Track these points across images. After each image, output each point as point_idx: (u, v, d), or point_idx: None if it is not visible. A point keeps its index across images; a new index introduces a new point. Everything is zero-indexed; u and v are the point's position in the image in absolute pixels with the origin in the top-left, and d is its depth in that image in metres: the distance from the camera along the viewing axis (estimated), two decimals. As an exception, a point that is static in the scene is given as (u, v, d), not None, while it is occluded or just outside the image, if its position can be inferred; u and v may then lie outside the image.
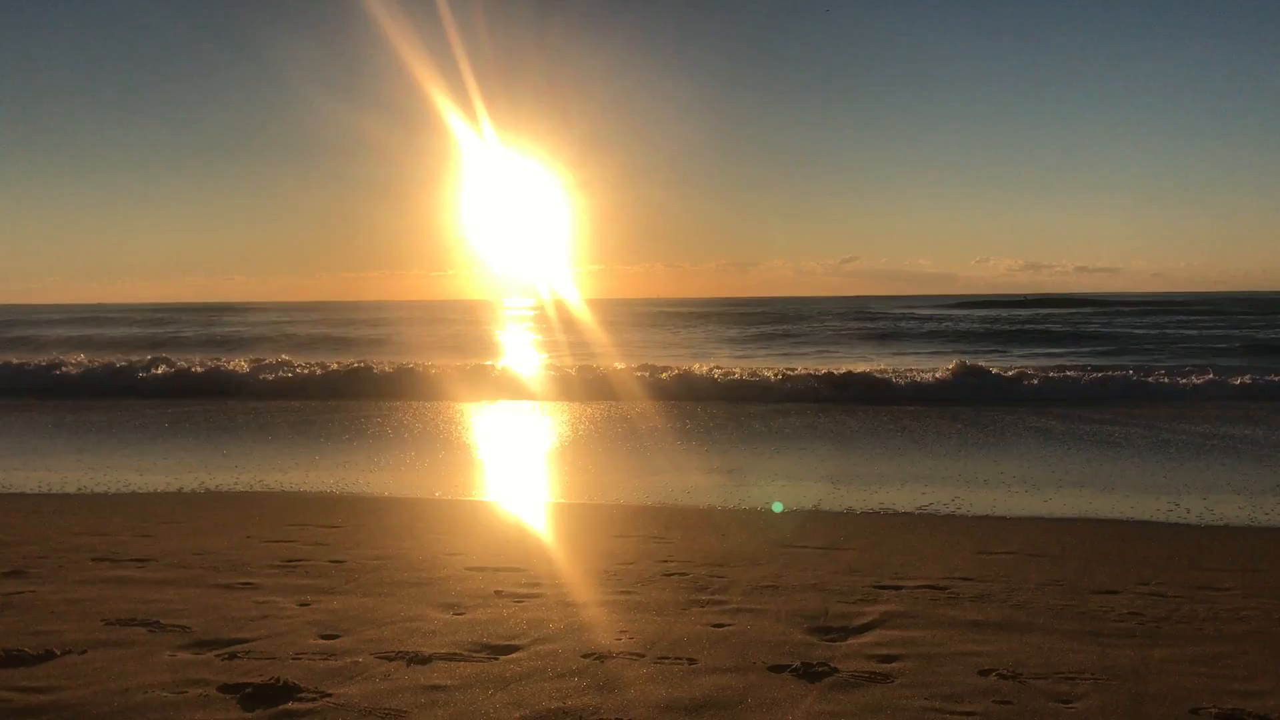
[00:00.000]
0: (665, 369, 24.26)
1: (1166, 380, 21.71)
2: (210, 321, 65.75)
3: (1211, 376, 21.69)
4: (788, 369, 24.36)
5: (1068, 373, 22.98)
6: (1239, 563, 7.11)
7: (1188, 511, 9.24)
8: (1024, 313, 65.90)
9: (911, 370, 23.76)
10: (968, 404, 19.67)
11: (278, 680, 4.20)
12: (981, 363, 24.22)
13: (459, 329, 53.09)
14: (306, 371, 24.80)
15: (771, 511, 9.36)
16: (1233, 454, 13.00)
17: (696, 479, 11.33)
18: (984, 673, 4.48)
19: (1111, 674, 4.48)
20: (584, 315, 47.43)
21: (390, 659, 4.58)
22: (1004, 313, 66.59)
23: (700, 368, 24.97)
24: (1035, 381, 21.75)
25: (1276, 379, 21.17)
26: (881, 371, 23.65)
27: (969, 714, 3.97)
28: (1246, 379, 21.29)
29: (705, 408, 19.47)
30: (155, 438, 15.77)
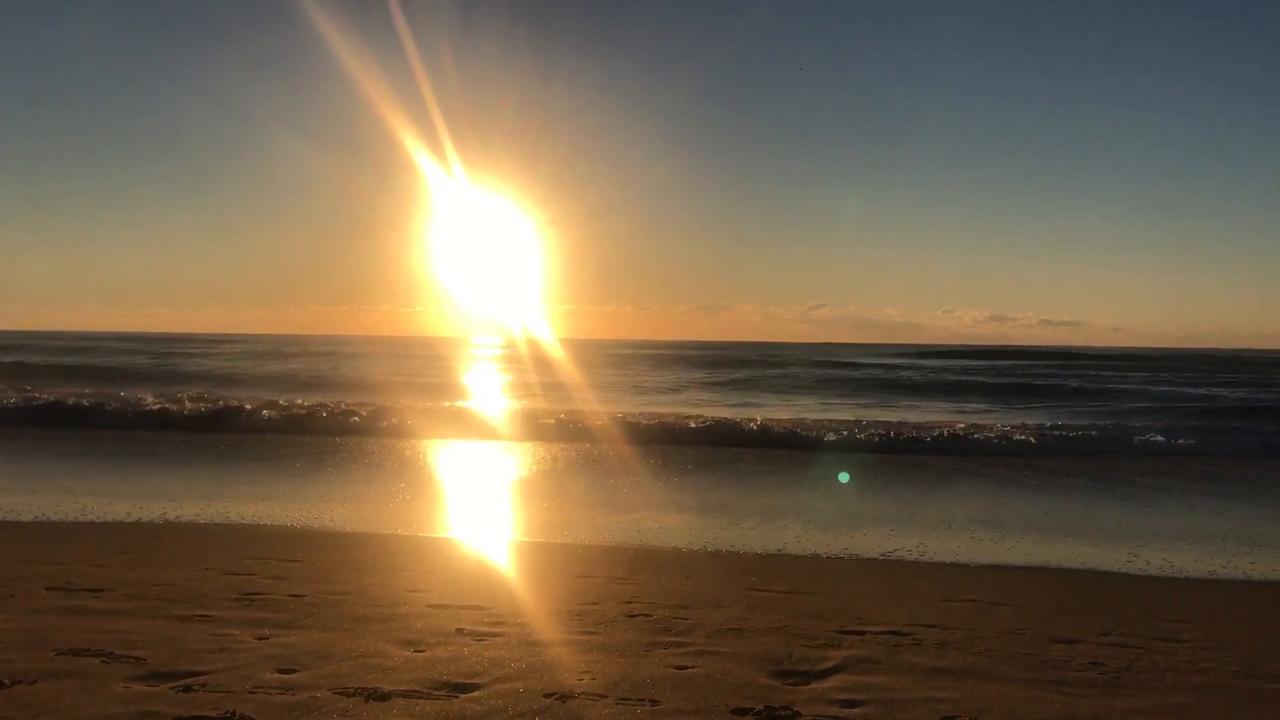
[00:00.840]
0: (633, 414, 24.27)
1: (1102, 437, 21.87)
2: (169, 353, 65.13)
3: (1157, 438, 21.83)
4: (764, 418, 24.39)
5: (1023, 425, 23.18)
6: (1198, 615, 7.16)
7: (1147, 563, 9.31)
8: (987, 364, 66.48)
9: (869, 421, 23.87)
10: (919, 453, 19.79)
11: (233, 714, 4.13)
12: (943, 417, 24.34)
13: (426, 366, 52.74)
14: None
15: (735, 553, 9.31)
16: (1186, 506, 13.14)
17: (662, 521, 11.29)
18: (946, 719, 4.48)
19: (1072, 723, 4.49)
20: (553, 355, 47.38)
21: (348, 695, 4.52)
22: (971, 363, 67.13)
23: (668, 413, 25.00)
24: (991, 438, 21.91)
25: (1229, 437, 21.48)
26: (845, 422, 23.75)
27: (931, 760, 3.97)
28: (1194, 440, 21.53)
29: (669, 451, 19.48)
30: (116, 468, 15.57)
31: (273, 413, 23.67)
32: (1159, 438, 21.60)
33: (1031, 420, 26.06)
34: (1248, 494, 14.69)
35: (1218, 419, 28.04)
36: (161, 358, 56.85)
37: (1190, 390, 41.54)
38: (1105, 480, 15.76)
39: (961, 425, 22.92)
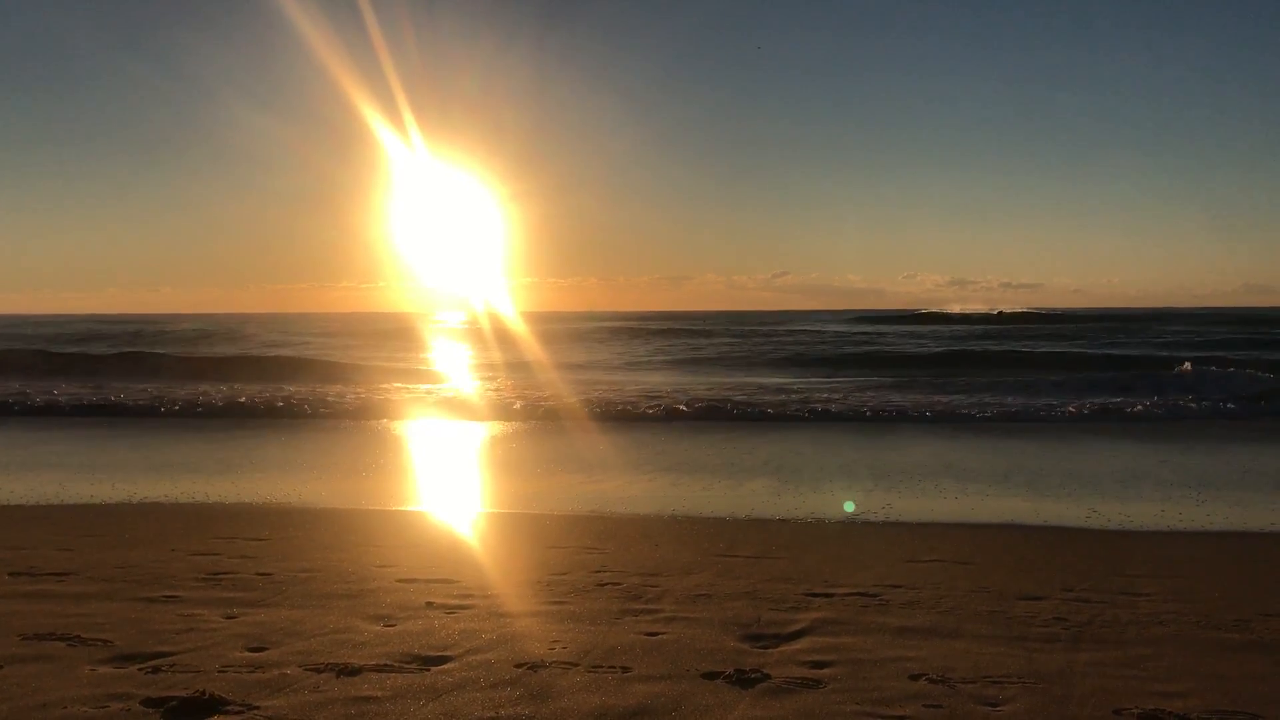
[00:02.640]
0: (595, 390, 24.28)
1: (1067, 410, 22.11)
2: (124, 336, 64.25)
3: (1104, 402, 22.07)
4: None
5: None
6: (1158, 568, 7.29)
7: (1107, 519, 9.44)
8: (929, 329, 67.12)
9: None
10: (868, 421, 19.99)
11: (203, 693, 4.11)
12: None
13: (386, 345, 52.19)
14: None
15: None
16: (1136, 462, 13.36)
17: (629, 491, 11.33)
18: (914, 677, 4.54)
19: (1038, 677, 4.56)
20: (513, 330, 47.06)
21: (319, 671, 4.51)
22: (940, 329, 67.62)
23: (632, 389, 25.02)
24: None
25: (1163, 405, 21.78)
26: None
27: (900, 718, 4.02)
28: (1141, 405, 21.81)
29: (632, 427, 19.58)
30: (75, 451, 15.40)
31: (228, 399, 23.47)
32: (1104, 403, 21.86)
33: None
34: (1190, 448, 14.97)
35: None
36: (121, 340, 56.05)
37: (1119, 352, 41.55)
38: (1049, 440, 15.99)
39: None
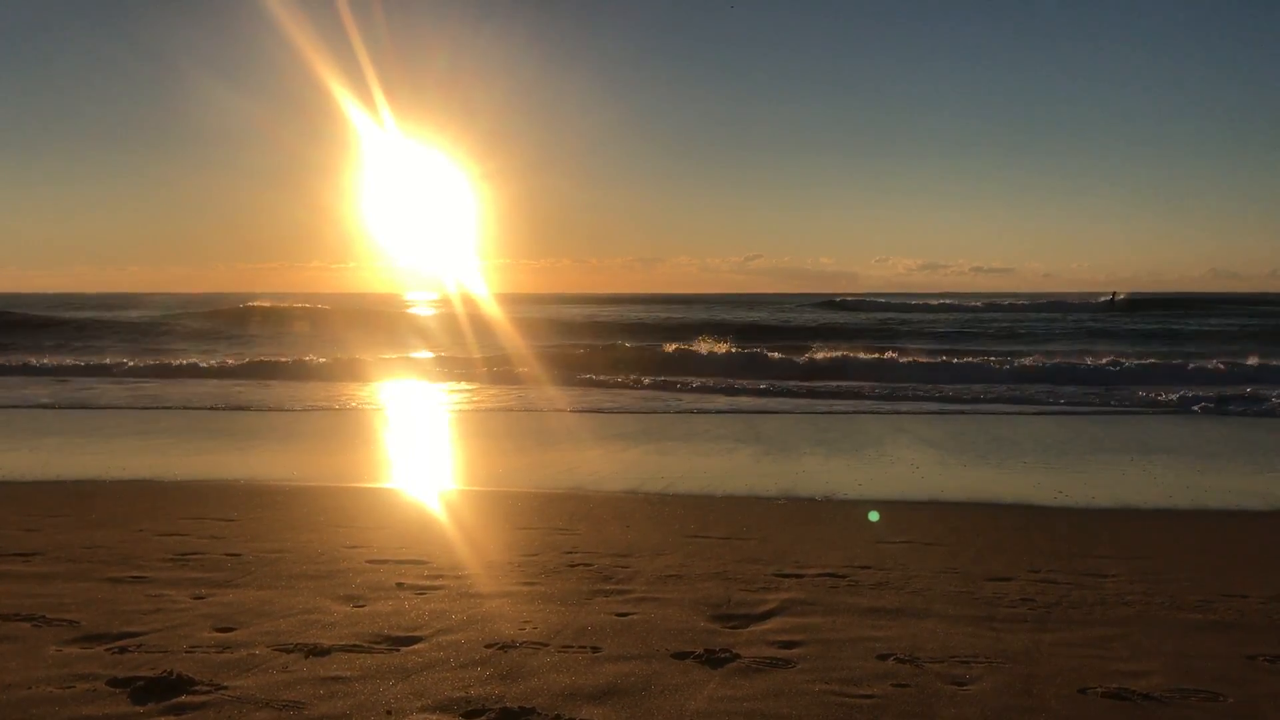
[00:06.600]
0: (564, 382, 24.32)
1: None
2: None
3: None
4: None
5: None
6: (1124, 550, 7.36)
7: (1074, 500, 9.52)
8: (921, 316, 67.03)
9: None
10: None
11: (170, 673, 4.08)
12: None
13: (353, 326, 51.40)
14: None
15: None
16: (1095, 442, 13.50)
17: (600, 473, 11.34)
18: (882, 657, 4.57)
19: (1005, 657, 4.61)
20: (490, 312, 46.74)
21: (288, 651, 4.49)
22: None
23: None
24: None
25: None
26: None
27: (868, 697, 4.05)
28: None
29: (599, 417, 19.60)
30: (40, 428, 15.25)
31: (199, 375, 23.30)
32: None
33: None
34: (1146, 426, 15.14)
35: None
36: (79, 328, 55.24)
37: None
38: (1009, 424, 16.11)
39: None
